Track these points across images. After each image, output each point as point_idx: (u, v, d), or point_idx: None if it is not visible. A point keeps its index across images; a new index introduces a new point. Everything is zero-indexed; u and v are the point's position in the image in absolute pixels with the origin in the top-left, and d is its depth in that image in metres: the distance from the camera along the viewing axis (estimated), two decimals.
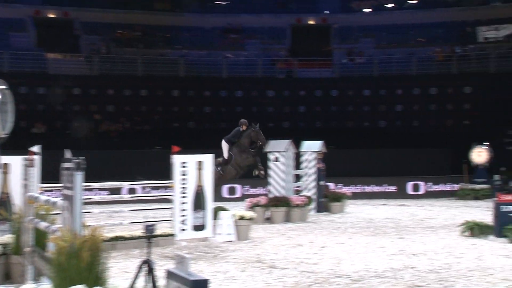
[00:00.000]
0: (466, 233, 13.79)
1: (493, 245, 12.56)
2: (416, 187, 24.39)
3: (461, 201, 22.82)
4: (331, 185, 21.86)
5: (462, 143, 24.83)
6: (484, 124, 28.43)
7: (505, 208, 13.28)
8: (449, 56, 34.34)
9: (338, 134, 28.16)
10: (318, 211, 18.78)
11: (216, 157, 15.42)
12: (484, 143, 24.31)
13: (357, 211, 19.57)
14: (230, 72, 34.29)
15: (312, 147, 19.25)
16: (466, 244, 12.75)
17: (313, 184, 18.98)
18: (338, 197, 19.58)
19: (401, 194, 24.10)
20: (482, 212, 18.13)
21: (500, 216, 13.31)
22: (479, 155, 24.27)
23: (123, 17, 36.57)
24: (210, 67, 34.80)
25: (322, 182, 19.20)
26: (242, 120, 17.92)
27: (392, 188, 24.40)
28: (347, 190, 21.26)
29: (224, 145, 17.25)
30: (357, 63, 36.08)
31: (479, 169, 24.28)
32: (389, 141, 27.61)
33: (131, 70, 33.08)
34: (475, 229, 13.61)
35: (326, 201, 19.25)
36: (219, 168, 16.90)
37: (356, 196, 22.04)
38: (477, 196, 23.17)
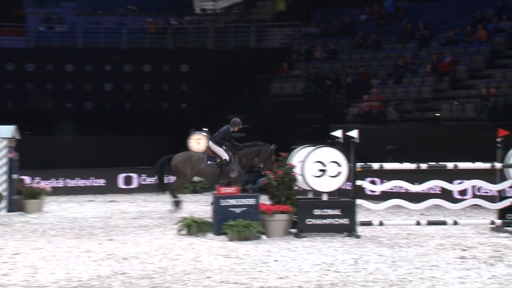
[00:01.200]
0: (183, 232, 14.46)
1: (211, 244, 13.31)
2: (128, 180, 24.95)
3: (179, 195, 23.76)
4: (27, 179, 21.46)
5: (180, 128, 25.82)
6: (203, 107, 29.84)
7: (224, 202, 14.12)
8: (164, 29, 35.45)
9: (35, 117, 27.59)
10: (10, 210, 18.35)
11: None
12: (203, 129, 25.58)
13: (59, 210, 19.49)
14: None
15: (2, 133, 18.66)
16: (183, 244, 13.34)
17: (4, 178, 18.43)
18: (35, 194, 19.23)
19: (111, 188, 24.50)
20: (201, 207, 19.40)
21: (219, 211, 14.14)
22: (198, 142, 25.43)
23: None
24: None
25: (15, 176, 18.80)
26: (236, 119, 18.20)
27: (101, 182, 24.68)
28: (46, 184, 20.97)
29: (216, 148, 17.98)
30: (57, 32, 35.60)
31: None
32: (96, 126, 27.77)
33: None
34: (193, 227, 14.31)
35: (20, 198, 18.84)
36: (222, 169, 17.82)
37: (57, 191, 21.98)
38: (195, 189, 24.41)
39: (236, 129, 18.29)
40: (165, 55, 33.88)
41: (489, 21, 30.02)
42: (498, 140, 15.33)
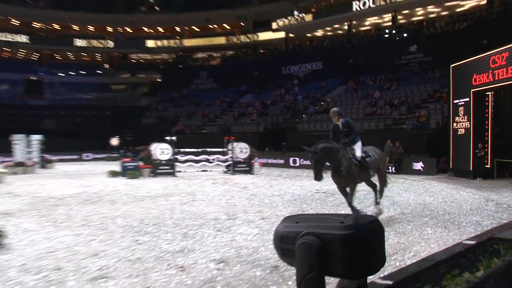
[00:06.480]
0: (109, 176, 30.28)
1: (120, 181, 27.64)
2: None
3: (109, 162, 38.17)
4: None
5: None
6: None
7: (126, 164, 30.24)
8: None
9: None
10: None
11: None
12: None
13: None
14: None
15: None
16: (109, 180, 27.67)
17: None
18: None
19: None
20: (117, 167, 33.09)
21: (123, 167, 30.44)
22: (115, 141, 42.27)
23: None
24: None
25: None
26: (335, 109, 14.19)
27: None
28: None
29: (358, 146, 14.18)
30: None
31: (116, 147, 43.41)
32: None
33: None
34: (113, 173, 29.99)
35: None
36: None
37: None
38: (114, 159, 40.87)
39: (335, 119, 14.07)
40: None
41: None
42: None
